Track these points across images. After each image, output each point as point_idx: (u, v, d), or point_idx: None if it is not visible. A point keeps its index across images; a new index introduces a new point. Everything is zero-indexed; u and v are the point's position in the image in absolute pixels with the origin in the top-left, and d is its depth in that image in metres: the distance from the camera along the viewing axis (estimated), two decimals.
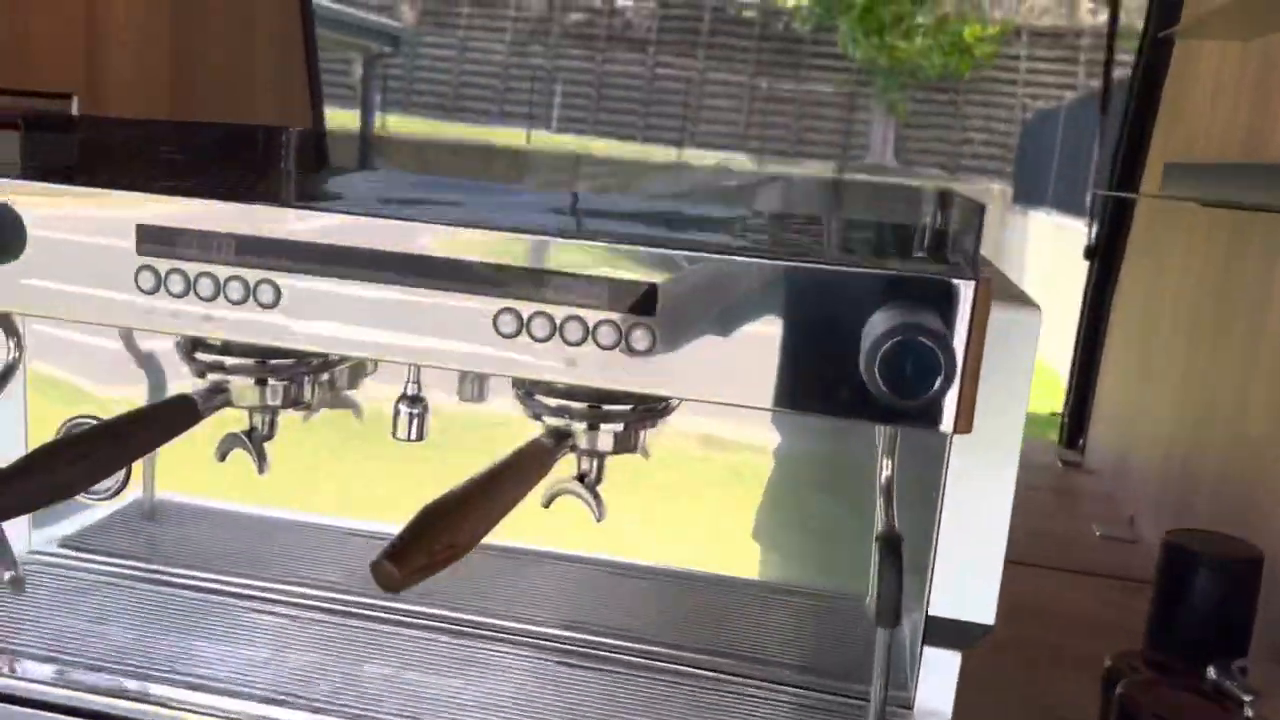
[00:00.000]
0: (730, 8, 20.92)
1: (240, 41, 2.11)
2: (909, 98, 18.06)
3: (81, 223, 0.81)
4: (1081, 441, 2.50)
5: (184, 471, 1.09)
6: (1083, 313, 2.53)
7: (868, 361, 0.70)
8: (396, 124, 19.74)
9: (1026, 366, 0.85)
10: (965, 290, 0.73)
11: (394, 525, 0.70)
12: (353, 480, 1.07)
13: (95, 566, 1.08)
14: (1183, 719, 1.00)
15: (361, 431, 1.04)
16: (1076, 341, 2.56)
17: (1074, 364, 2.57)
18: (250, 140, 1.50)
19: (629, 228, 0.87)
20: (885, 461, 0.85)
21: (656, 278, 0.72)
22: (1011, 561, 0.89)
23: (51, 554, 1.08)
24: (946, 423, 0.73)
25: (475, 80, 22.19)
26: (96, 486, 1.04)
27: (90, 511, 1.10)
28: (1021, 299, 0.89)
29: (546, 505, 0.91)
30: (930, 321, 0.70)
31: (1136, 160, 2.29)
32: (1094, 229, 2.46)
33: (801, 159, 19.62)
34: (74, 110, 1.15)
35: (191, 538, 1.09)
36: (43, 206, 0.83)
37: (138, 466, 1.08)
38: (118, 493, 1.08)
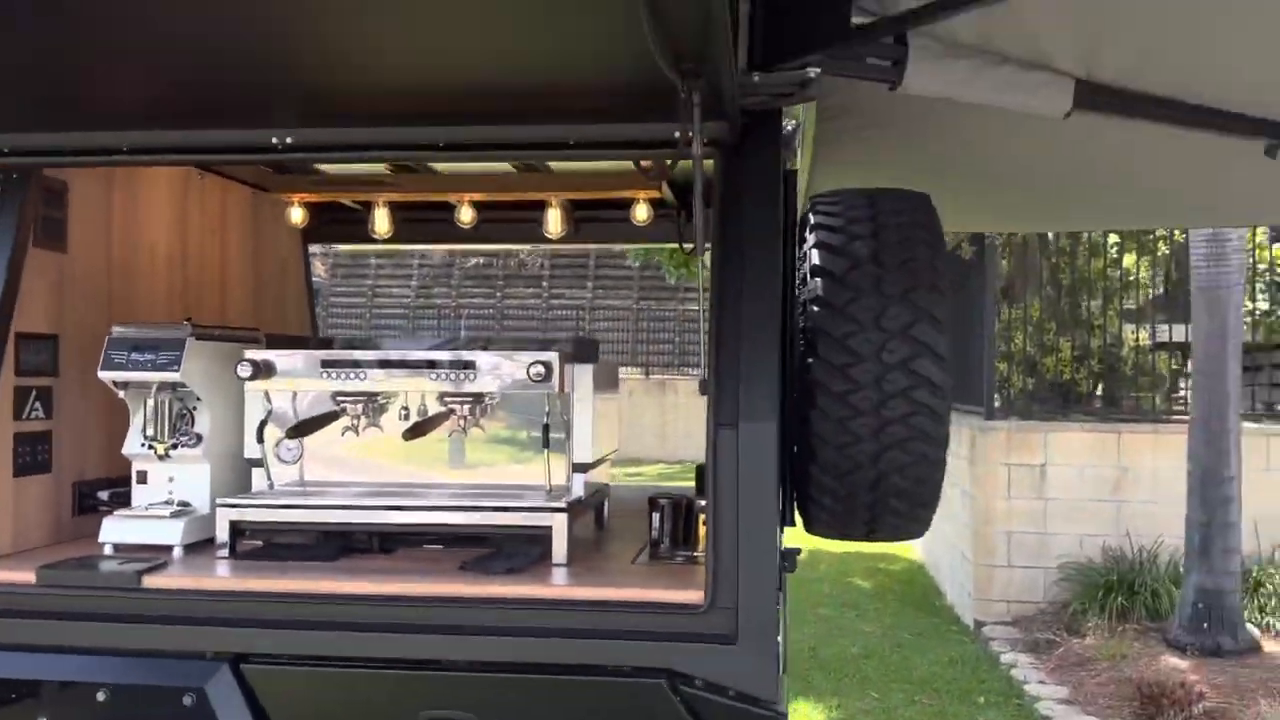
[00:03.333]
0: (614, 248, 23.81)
1: (278, 290, 4.03)
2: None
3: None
4: None
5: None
6: None
7: None
8: None
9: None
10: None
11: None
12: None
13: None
14: None
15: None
16: None
17: None
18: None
19: None
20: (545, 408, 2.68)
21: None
22: None
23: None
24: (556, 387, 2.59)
25: (386, 321, 24.46)
26: (287, 459, 2.83)
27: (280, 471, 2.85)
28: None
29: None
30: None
31: None
32: None
33: (686, 369, 22.01)
34: (263, 338, 3.04)
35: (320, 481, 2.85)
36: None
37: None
38: (296, 462, 2.85)
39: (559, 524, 2.59)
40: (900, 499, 2.89)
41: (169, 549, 2.68)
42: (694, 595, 2.31)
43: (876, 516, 2.96)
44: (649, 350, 22.64)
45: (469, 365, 2.63)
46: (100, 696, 2.43)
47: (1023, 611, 7.65)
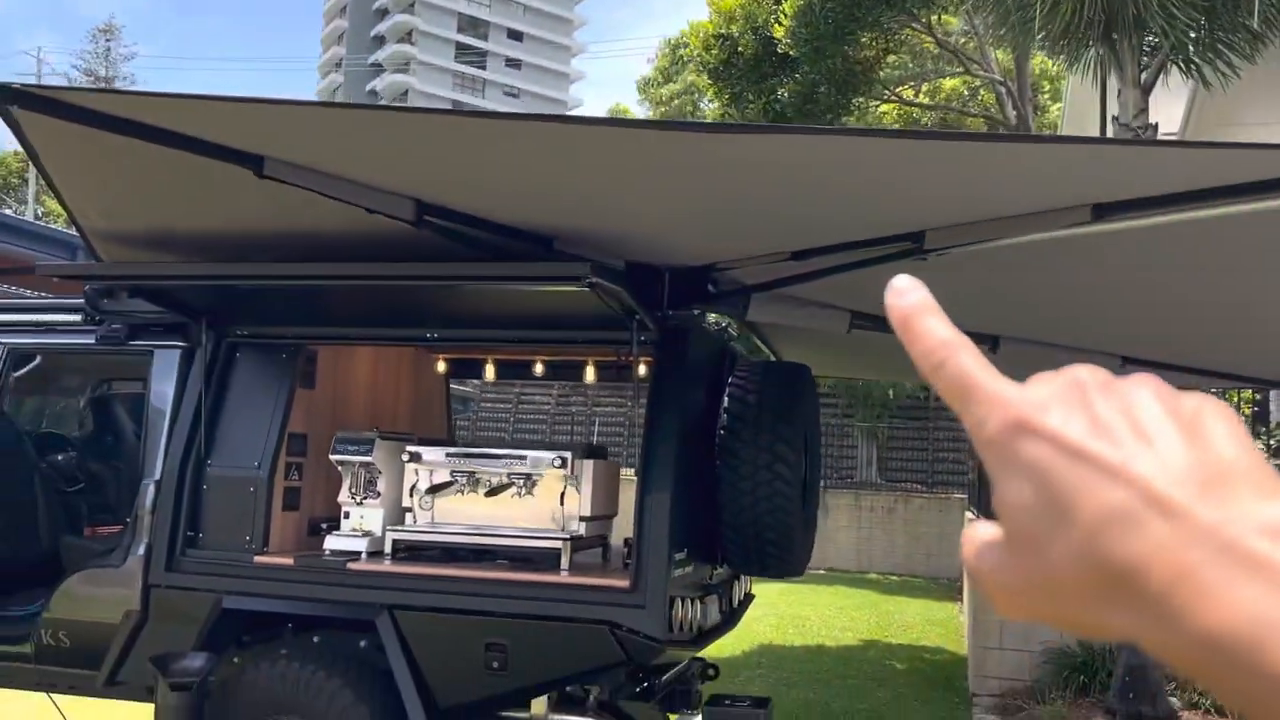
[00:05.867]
0: None
1: (427, 409, 6.37)
2: (887, 425, 22.27)
3: None
4: None
5: None
6: None
7: None
8: None
9: None
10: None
11: None
12: None
13: None
14: None
15: None
16: None
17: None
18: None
19: None
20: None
21: None
22: None
23: None
24: None
25: (528, 425, 27.19)
26: (425, 507, 5.04)
27: None
28: None
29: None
30: None
31: None
32: None
33: None
34: (415, 439, 5.29)
35: None
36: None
37: None
38: (429, 509, 5.09)
39: (565, 547, 4.72)
40: (772, 545, 4.93)
41: (359, 554, 4.93)
42: (626, 582, 4.39)
43: (763, 556, 5.01)
44: None
45: (523, 457, 4.84)
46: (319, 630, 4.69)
47: (1011, 687, 9.21)
